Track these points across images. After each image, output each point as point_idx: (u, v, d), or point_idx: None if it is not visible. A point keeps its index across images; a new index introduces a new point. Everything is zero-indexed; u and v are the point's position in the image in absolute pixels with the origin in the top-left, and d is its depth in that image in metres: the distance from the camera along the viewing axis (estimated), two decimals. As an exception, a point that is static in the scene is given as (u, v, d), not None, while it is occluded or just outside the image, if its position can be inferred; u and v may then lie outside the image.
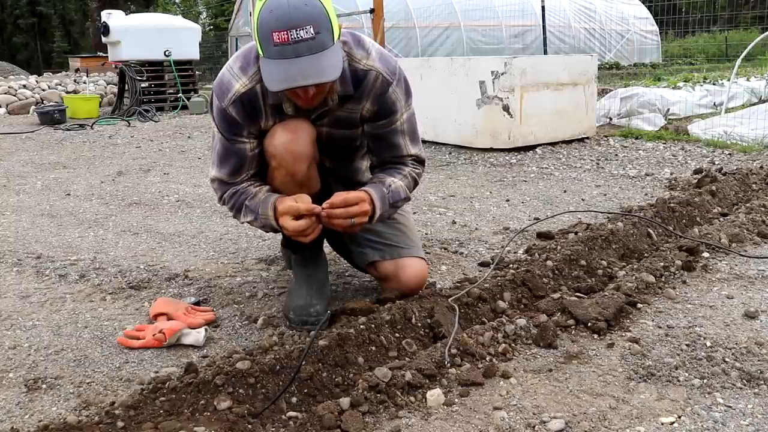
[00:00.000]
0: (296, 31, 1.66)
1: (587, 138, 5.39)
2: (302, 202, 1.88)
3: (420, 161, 2.13)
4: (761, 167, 3.94)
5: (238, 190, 2.00)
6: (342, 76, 1.87)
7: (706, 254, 2.51)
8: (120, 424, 1.46)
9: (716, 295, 2.19)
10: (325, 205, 1.88)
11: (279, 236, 2.43)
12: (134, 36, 9.30)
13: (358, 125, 2.04)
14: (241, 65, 1.91)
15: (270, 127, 1.95)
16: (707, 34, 16.78)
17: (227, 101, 1.90)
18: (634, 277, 2.23)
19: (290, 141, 1.92)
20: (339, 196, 1.90)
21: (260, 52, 1.74)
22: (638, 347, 1.82)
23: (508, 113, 4.87)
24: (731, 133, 5.20)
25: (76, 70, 12.75)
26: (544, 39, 11.62)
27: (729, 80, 7.16)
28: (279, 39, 1.67)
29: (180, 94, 9.68)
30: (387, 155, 2.09)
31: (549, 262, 2.29)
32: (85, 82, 11.22)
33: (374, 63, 1.94)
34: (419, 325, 1.89)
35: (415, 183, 2.12)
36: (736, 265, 2.45)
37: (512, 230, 3.05)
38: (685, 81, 7.90)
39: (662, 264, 2.35)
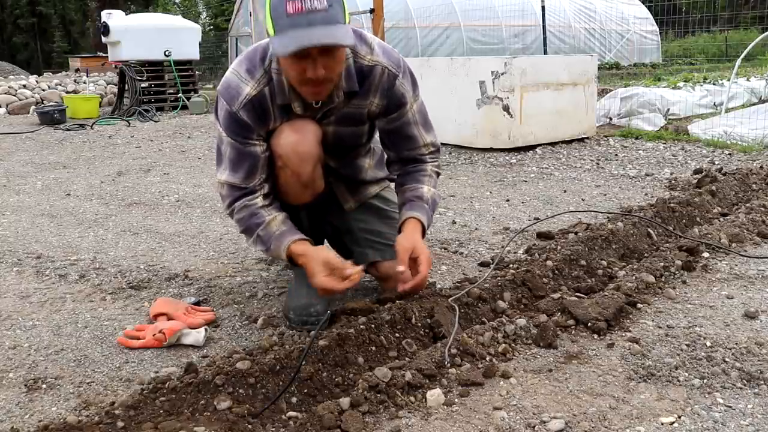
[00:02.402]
0: (310, 1, 1.67)
1: (587, 138, 5.39)
2: (338, 268, 1.82)
3: (437, 149, 2.17)
4: (761, 167, 3.93)
5: (251, 208, 1.95)
6: (347, 72, 1.89)
7: (706, 254, 2.51)
8: (120, 424, 1.46)
9: (716, 295, 2.19)
10: (405, 288, 1.93)
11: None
12: (134, 36, 9.30)
13: (365, 121, 2.05)
14: (247, 68, 1.91)
15: (277, 127, 1.95)
16: (707, 34, 16.77)
17: (238, 105, 1.89)
18: (634, 277, 2.23)
19: (296, 141, 1.92)
20: (417, 277, 1.93)
21: (271, 32, 1.73)
22: (638, 347, 1.82)
23: (508, 113, 4.87)
24: (731, 133, 5.20)
25: (76, 70, 12.75)
26: (544, 39, 11.62)
27: (729, 80, 7.16)
28: (292, 9, 1.67)
29: (180, 94, 9.68)
30: (404, 148, 2.11)
31: (549, 262, 2.29)
32: (85, 82, 11.22)
33: (379, 58, 1.96)
34: (419, 325, 1.89)
35: (438, 176, 2.17)
36: (736, 265, 2.45)
37: (512, 230, 3.05)
38: (685, 81, 7.90)
39: (662, 264, 2.35)
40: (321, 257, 1.85)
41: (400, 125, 2.06)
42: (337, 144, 2.07)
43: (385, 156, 2.24)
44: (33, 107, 9.68)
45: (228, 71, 1.97)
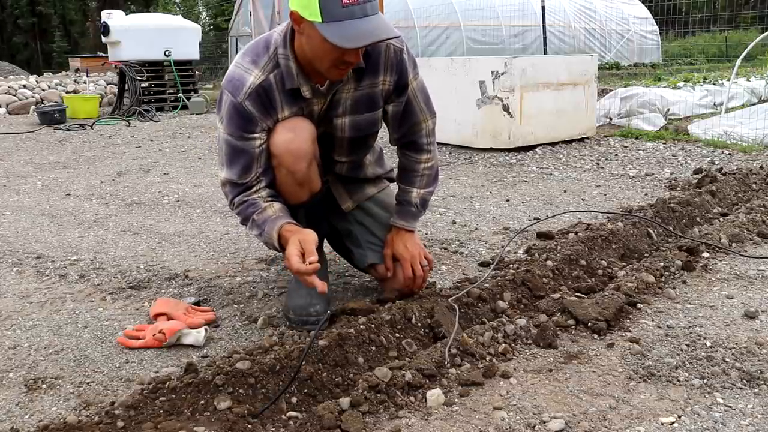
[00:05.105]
0: None
1: (587, 138, 5.39)
2: (307, 251, 1.80)
3: (434, 119, 2.21)
4: (761, 167, 3.94)
5: (248, 200, 1.97)
6: None
7: (706, 254, 2.51)
8: (120, 424, 1.46)
9: (716, 295, 2.19)
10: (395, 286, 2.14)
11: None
12: (134, 36, 9.29)
13: (380, 105, 2.06)
14: (251, 59, 1.92)
15: (285, 117, 1.95)
16: (707, 34, 16.77)
17: (243, 95, 1.89)
18: (634, 277, 2.23)
19: (290, 139, 1.92)
20: (405, 273, 2.11)
21: (317, 18, 1.73)
22: (638, 347, 1.82)
23: (508, 113, 4.87)
24: (731, 133, 5.20)
25: (76, 70, 12.72)
26: (544, 39, 11.60)
27: (729, 80, 7.16)
28: (349, 0, 1.71)
29: (180, 94, 9.67)
30: (407, 126, 2.15)
31: (549, 262, 2.29)
32: (85, 82, 11.21)
33: None
34: (419, 325, 1.89)
35: (433, 168, 2.21)
36: (736, 265, 2.45)
37: (512, 230, 3.05)
38: (685, 81, 7.89)
39: (662, 264, 2.35)
40: (301, 235, 1.84)
41: (407, 104, 2.10)
42: (356, 138, 2.08)
43: (384, 151, 2.33)
44: (33, 107, 9.67)
45: (231, 65, 1.97)
